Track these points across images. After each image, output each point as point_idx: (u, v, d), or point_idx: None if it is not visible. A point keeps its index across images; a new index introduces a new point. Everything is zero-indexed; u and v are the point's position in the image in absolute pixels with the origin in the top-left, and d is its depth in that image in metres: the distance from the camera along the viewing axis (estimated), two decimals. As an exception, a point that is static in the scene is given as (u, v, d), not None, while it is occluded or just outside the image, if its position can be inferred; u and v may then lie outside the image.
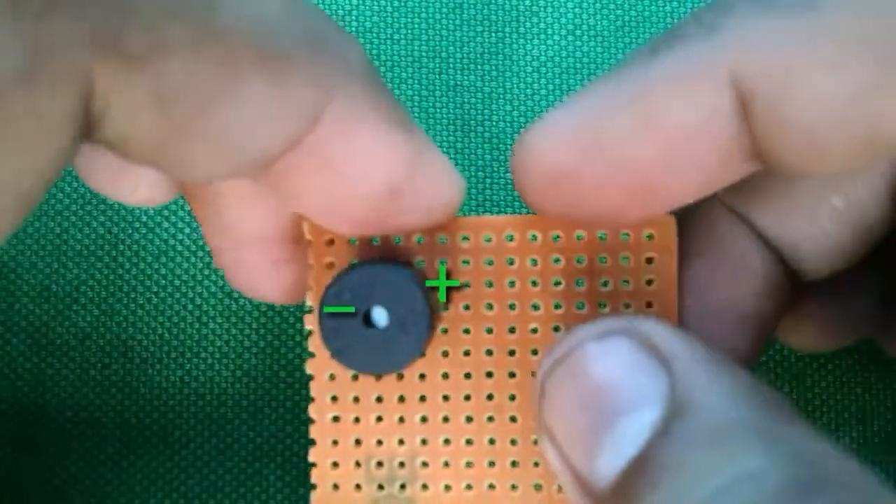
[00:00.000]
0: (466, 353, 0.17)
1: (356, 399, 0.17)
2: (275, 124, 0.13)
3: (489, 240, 0.17)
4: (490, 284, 0.17)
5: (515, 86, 0.23)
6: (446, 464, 0.17)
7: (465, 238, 0.17)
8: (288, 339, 0.22)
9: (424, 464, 0.17)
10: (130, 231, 0.22)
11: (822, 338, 0.19)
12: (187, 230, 0.22)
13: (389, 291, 0.16)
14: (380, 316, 0.16)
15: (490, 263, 0.17)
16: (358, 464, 0.17)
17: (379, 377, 0.17)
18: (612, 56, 0.24)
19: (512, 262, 0.17)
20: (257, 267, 0.17)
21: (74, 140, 0.12)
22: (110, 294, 0.22)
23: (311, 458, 0.17)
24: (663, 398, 0.13)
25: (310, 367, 0.17)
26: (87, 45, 0.11)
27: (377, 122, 0.14)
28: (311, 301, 0.17)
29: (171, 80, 0.12)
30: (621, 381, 0.13)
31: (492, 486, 0.17)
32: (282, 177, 0.14)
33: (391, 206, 0.15)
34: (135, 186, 0.16)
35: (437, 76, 0.23)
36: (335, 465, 0.17)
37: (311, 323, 0.16)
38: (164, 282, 0.22)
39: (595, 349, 0.14)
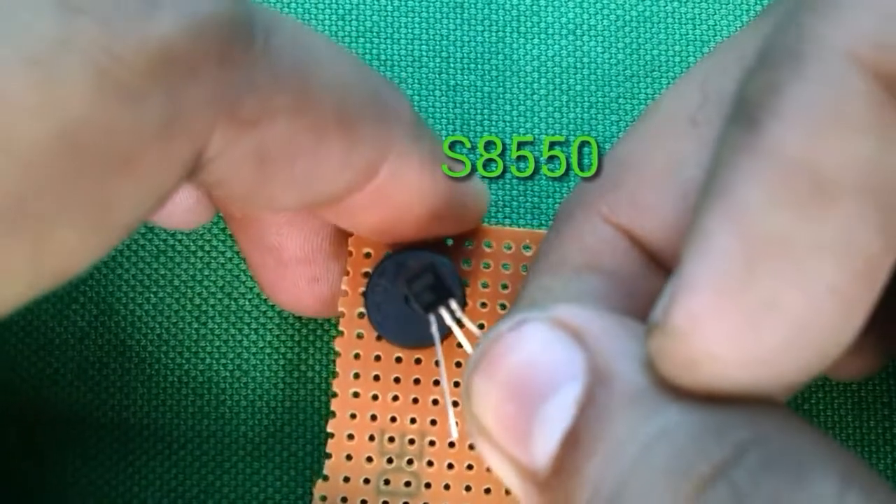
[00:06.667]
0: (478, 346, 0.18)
1: (376, 378, 0.18)
2: (344, 175, 0.15)
3: (509, 247, 0.19)
4: (505, 286, 0.19)
5: (515, 86, 0.23)
6: (451, 444, 0.18)
7: (488, 244, 0.19)
8: (288, 340, 0.22)
9: (432, 443, 0.18)
10: (129, 230, 0.22)
11: (858, 364, 0.19)
12: (187, 230, 0.22)
13: (432, 277, 0.18)
14: (418, 297, 0.18)
15: (507, 268, 0.19)
16: (372, 437, 0.18)
17: (411, 349, 0.18)
18: (612, 56, 0.24)
19: (526, 269, 0.18)
20: (297, 284, 0.19)
21: (182, 180, 0.13)
22: (109, 293, 0.22)
23: (329, 429, 0.18)
24: (583, 371, 0.13)
25: (337, 345, 0.18)
26: (213, 111, 0.13)
27: (422, 165, 0.16)
28: (343, 307, 0.18)
29: (272, 139, 0.14)
30: (540, 362, 0.13)
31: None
32: (342, 210, 0.17)
33: (431, 225, 0.17)
34: (173, 212, 0.19)
35: (437, 76, 0.23)
36: (351, 437, 0.18)
37: (343, 305, 0.18)
38: (162, 281, 0.22)
39: (510, 338, 0.14)
